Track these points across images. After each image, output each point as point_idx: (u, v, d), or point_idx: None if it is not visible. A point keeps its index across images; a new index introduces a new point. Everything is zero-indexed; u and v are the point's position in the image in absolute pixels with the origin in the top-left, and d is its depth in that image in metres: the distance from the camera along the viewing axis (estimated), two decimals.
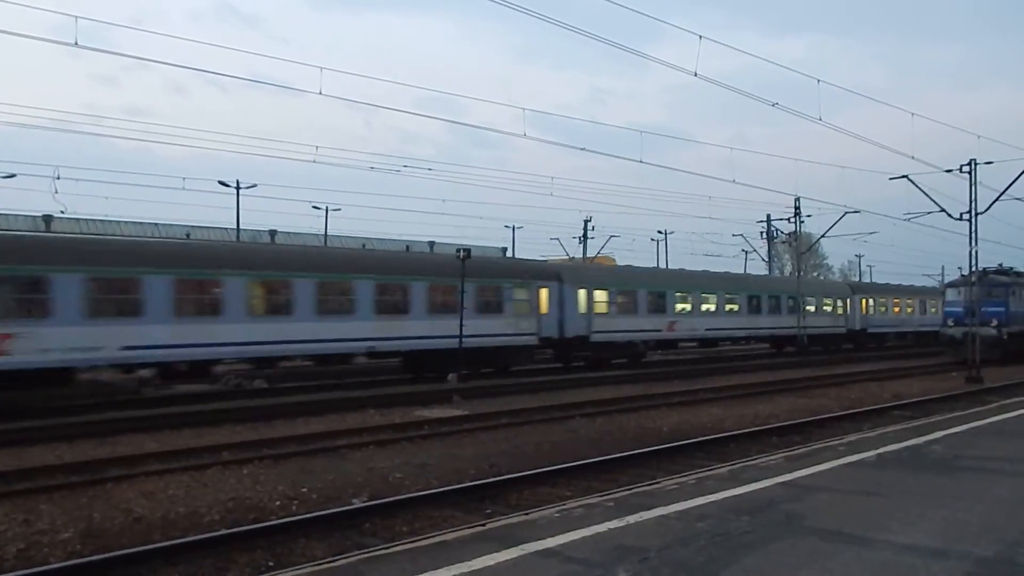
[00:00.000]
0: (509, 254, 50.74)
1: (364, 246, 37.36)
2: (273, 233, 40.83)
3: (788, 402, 15.60)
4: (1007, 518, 5.20)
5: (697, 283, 24.01)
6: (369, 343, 15.69)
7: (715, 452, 9.88)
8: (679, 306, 22.46)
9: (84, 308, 12.34)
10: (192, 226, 35.44)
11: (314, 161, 30.24)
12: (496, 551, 4.40)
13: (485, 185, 56.81)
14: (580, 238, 41.82)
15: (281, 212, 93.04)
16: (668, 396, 15.86)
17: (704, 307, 23.69)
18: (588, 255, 41.38)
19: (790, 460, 7.51)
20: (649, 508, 5.52)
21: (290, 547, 5.77)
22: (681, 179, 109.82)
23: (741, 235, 43.77)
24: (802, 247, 41.93)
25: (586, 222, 41.76)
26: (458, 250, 15.82)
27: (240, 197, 31.75)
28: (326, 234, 39.05)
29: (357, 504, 6.86)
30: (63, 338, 11.93)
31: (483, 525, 5.16)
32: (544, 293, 19.10)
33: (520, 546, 4.50)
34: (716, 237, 53.24)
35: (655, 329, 21.84)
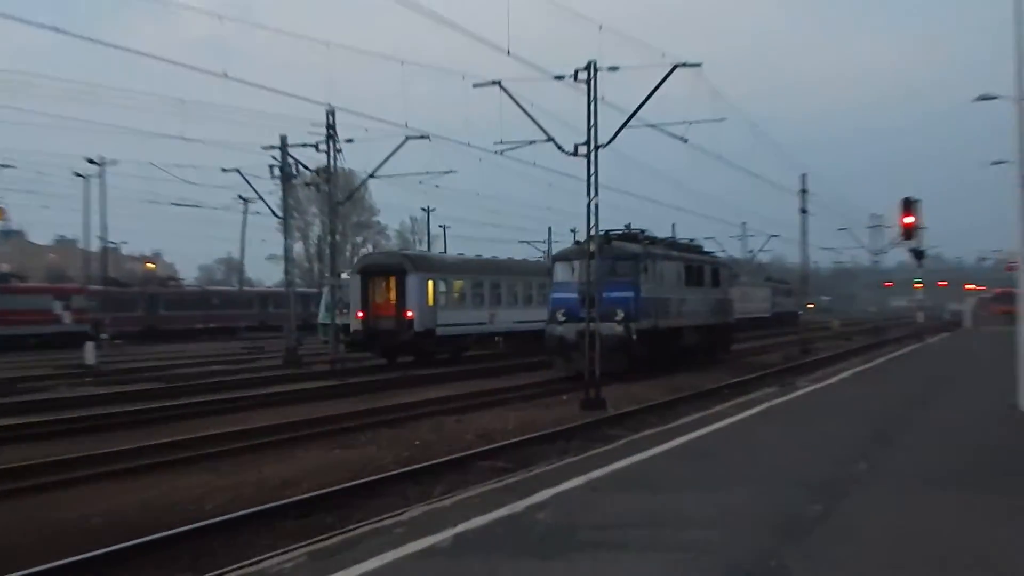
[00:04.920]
0: None
1: None
2: None
3: (315, 457, 17.44)
4: None
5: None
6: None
7: (186, 558, 10.59)
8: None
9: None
10: None
11: None
12: None
13: None
14: None
15: None
16: (109, 459, 16.88)
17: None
18: None
19: (317, 558, 8.43)
20: None
21: None
22: (137, 67, 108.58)
23: (236, 171, 45.34)
24: (339, 193, 45.66)
25: None
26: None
27: None
28: None
29: None
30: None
31: None
32: None
33: None
34: (192, 173, 54.51)
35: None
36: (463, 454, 16.75)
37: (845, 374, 29.31)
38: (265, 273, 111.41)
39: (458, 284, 42.83)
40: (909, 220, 33.30)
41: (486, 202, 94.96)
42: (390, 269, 40.01)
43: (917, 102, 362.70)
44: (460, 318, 41.89)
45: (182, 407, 25.46)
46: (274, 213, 46.98)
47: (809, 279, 67.09)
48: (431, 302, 39.99)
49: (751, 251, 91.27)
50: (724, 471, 12.43)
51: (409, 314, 38.80)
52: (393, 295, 39.56)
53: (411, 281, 39.14)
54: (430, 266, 41.68)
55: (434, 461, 16.01)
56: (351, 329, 40.36)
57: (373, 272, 40.54)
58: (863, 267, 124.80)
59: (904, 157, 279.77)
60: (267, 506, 12.76)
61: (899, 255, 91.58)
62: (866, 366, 33.09)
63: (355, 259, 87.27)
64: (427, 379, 33.32)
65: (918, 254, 49.57)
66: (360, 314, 39.65)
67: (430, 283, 40.16)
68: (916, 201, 33.09)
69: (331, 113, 40.73)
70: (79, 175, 53.19)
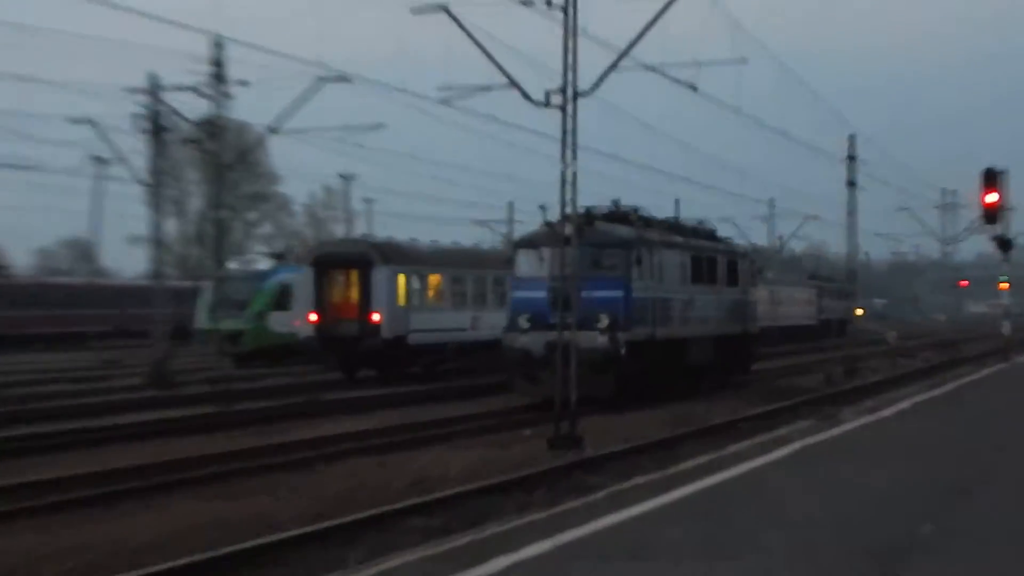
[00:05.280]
0: None
1: None
2: None
3: (189, 511, 17.31)
4: None
5: None
6: None
7: None
8: None
9: None
10: None
11: None
12: None
13: None
14: None
15: None
16: None
17: None
18: None
19: None
20: None
21: None
22: None
23: (88, 121, 45.03)
24: (229, 153, 45.24)
25: None
26: None
27: None
28: None
29: None
30: None
31: None
32: None
33: None
34: (30, 123, 54.48)
35: None
36: (389, 508, 16.65)
37: (904, 404, 29.59)
38: (126, 261, 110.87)
39: (435, 280, 45.16)
40: (992, 198, 33.50)
41: (426, 168, 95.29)
42: (351, 260, 42.51)
43: (999, 47, 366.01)
44: (437, 322, 43.90)
45: (10, 441, 25.33)
46: (139, 180, 46.62)
47: (858, 275, 67.56)
48: (402, 302, 42.27)
49: (780, 237, 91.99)
50: (741, 534, 12.43)
51: (375, 317, 41.10)
52: (355, 293, 42.22)
53: (378, 276, 41.36)
54: (402, 257, 43.56)
55: (350, 518, 15.92)
56: (301, 336, 43.05)
57: (330, 263, 43.11)
58: (930, 260, 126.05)
59: (987, 118, 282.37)
60: None
61: (979, 244, 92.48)
62: (932, 393, 33.43)
63: (247, 241, 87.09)
64: (342, 406, 33.39)
65: (1004, 243, 49.62)
66: (313, 316, 42.10)
67: (401, 278, 42.48)
68: (1001, 173, 33.26)
69: (219, 45, 40.53)
70: None
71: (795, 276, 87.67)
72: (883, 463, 18.35)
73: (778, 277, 77.12)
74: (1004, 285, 64.66)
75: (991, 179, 33.27)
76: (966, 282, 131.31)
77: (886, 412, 27.14)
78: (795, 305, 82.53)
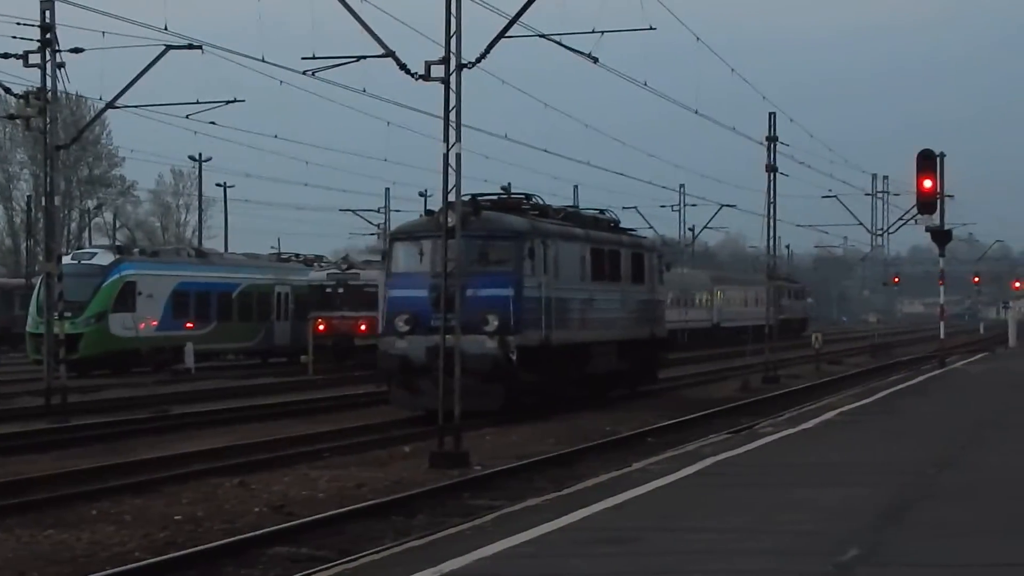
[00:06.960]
0: None
1: None
2: None
3: (17, 541, 17.24)
4: None
5: None
6: None
7: None
8: None
9: None
10: None
11: None
12: None
13: None
14: None
15: None
16: None
17: None
18: None
19: None
20: None
21: None
22: None
23: None
24: (62, 132, 44.73)
25: None
26: None
27: None
28: None
29: None
30: None
31: None
32: None
33: None
34: None
35: None
36: (248, 535, 16.66)
37: (830, 414, 29.89)
38: None
39: None
40: (928, 184, 33.82)
41: (289, 148, 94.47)
42: None
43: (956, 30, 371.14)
44: None
45: None
46: None
47: (778, 271, 68.30)
48: None
49: (692, 228, 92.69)
50: (645, 562, 12.46)
51: None
52: None
53: None
54: None
55: (204, 546, 15.88)
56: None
57: None
58: (859, 254, 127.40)
59: (931, 105, 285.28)
60: None
61: (913, 236, 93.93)
62: (861, 403, 33.72)
63: (85, 233, 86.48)
64: (195, 420, 33.19)
65: (941, 235, 49.92)
66: None
67: None
68: (937, 156, 33.60)
69: (48, 9, 40.04)
70: None
71: (756, 276, 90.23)
72: (804, 479, 18.55)
73: (745, 277, 79.70)
74: (941, 282, 65.73)
75: (927, 163, 33.64)
76: (896, 279, 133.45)
77: (809, 423, 27.38)
78: (754, 306, 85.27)
